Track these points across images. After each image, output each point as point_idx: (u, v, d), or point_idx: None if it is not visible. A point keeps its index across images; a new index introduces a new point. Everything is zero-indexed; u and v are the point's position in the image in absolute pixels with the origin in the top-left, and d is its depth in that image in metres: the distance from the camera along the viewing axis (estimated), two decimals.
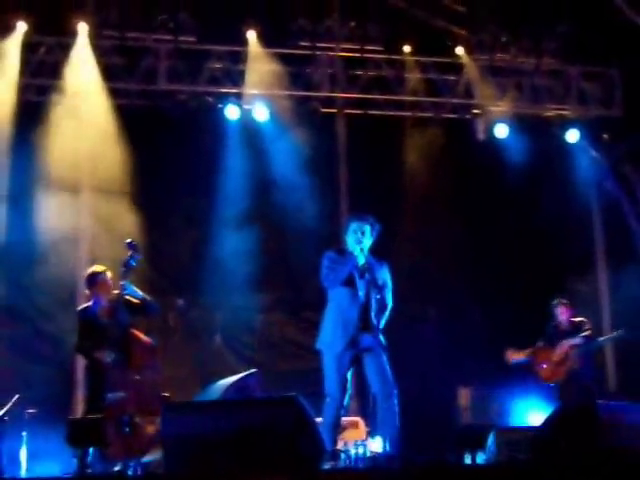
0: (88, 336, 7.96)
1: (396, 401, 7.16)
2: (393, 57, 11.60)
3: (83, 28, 10.64)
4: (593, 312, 11.69)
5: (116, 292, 7.96)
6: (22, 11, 10.48)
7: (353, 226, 7.38)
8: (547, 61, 11.83)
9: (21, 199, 10.37)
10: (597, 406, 5.82)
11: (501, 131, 11.65)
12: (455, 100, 11.80)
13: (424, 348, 10.80)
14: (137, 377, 7.71)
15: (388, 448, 6.99)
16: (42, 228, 10.27)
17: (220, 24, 11.05)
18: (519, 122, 11.66)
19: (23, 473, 8.16)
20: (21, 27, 10.52)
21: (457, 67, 11.77)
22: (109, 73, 10.79)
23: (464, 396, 10.16)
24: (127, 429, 7.40)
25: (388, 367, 7.22)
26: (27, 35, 10.58)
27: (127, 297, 7.91)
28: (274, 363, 11.05)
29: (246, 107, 11.17)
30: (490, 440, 7.44)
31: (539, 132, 11.62)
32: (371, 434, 7.88)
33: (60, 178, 10.31)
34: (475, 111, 11.83)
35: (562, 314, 9.83)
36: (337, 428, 7.30)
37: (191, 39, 11.02)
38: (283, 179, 10.95)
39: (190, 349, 10.64)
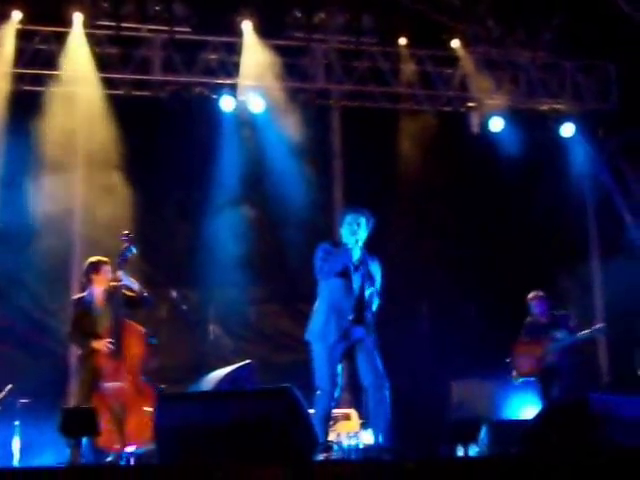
0: (81, 326, 7.97)
1: (387, 393, 7.16)
2: (388, 49, 11.58)
3: (78, 18, 10.60)
4: (586, 304, 11.76)
5: (113, 284, 7.97)
6: (17, 0, 10.44)
7: (348, 219, 7.37)
8: (542, 54, 11.82)
9: (14, 187, 10.33)
10: (586, 400, 5.82)
11: (496, 124, 11.65)
12: (450, 93, 11.80)
13: (417, 342, 10.81)
14: (131, 367, 7.72)
15: (380, 440, 7.00)
16: (36, 215, 10.26)
17: (215, 15, 11.03)
18: (514, 115, 11.66)
19: (16, 463, 8.17)
20: (16, 16, 10.47)
21: (452, 60, 11.75)
22: (104, 63, 10.78)
23: (456, 390, 10.17)
24: (120, 419, 7.42)
25: (379, 360, 7.22)
26: (22, 24, 10.54)
27: (124, 290, 7.93)
28: (268, 355, 11.05)
29: (241, 98, 11.15)
30: (482, 433, 7.46)
31: (534, 126, 11.62)
32: (364, 426, 7.90)
33: (53, 168, 10.30)
34: (470, 104, 11.83)
35: (537, 307, 9.82)
36: (329, 420, 7.31)
37: (186, 30, 11.00)
38: (277, 171, 10.96)
39: (184, 341, 10.63)
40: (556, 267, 11.46)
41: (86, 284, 8.14)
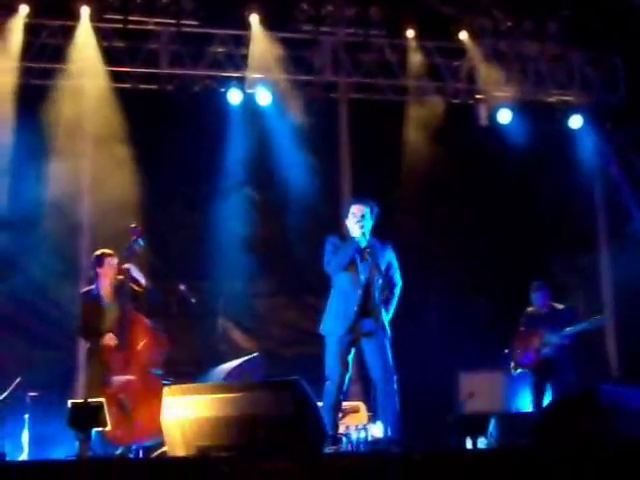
0: (90, 319, 7.99)
1: (396, 386, 7.19)
2: (396, 41, 11.55)
3: (85, 11, 10.59)
4: (595, 295, 11.74)
5: (120, 277, 7.98)
6: None
7: (353, 209, 7.40)
8: (550, 46, 11.77)
9: (22, 178, 10.34)
10: (596, 391, 5.81)
11: (504, 116, 11.62)
12: (458, 85, 11.76)
13: (425, 334, 10.81)
14: (139, 360, 7.74)
15: (389, 433, 7.01)
16: (43, 206, 10.29)
17: (223, 8, 11.01)
18: (522, 107, 11.62)
19: (25, 456, 8.19)
20: (23, 10, 10.47)
21: (460, 52, 11.71)
22: (111, 57, 10.77)
23: (465, 382, 10.16)
24: (129, 412, 7.43)
25: (389, 352, 7.23)
26: (29, 18, 10.55)
27: (131, 283, 7.94)
28: (275, 348, 11.06)
29: (249, 91, 11.14)
30: (491, 425, 7.46)
31: (542, 118, 11.58)
32: (373, 419, 7.90)
33: (61, 159, 10.32)
34: (478, 96, 11.80)
35: (540, 299, 9.78)
36: (337, 412, 7.33)
37: (194, 23, 10.98)
38: (285, 163, 10.95)
39: (192, 333, 10.64)
40: (565, 258, 11.44)
41: (93, 277, 8.17)
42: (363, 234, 7.25)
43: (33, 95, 10.33)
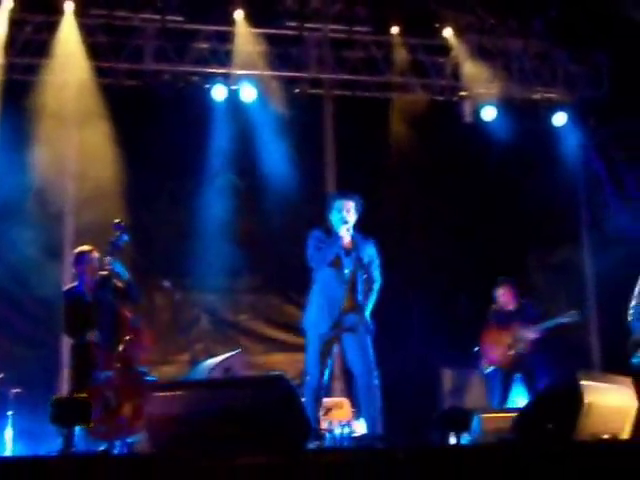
0: (74, 317, 7.97)
1: (377, 382, 7.18)
2: (381, 38, 11.57)
3: (70, 6, 10.56)
4: (578, 291, 11.79)
5: (102, 273, 7.96)
6: None
7: (337, 204, 7.39)
8: (534, 43, 11.82)
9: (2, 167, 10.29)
10: (578, 386, 5.83)
11: (488, 113, 11.65)
12: (443, 82, 11.79)
13: (407, 330, 10.82)
14: (124, 356, 7.73)
15: (372, 429, 7.03)
16: (26, 205, 10.25)
17: (207, 4, 10.99)
18: (506, 104, 11.66)
19: (8, 452, 8.17)
20: (7, 4, 10.41)
21: (445, 49, 11.74)
22: (96, 52, 10.73)
23: (448, 378, 10.18)
24: (112, 409, 7.42)
25: (370, 348, 7.24)
26: (13, 13, 10.49)
27: (114, 280, 7.93)
28: (259, 344, 11.07)
29: (233, 87, 11.13)
30: (475, 422, 7.48)
31: (526, 114, 11.63)
32: (356, 415, 7.93)
33: (45, 153, 10.28)
34: (462, 93, 11.83)
35: (504, 295, 9.80)
36: (318, 407, 7.33)
37: (178, 18, 10.97)
38: (270, 159, 10.94)
39: (176, 330, 10.64)
40: (547, 255, 11.50)
41: (76, 275, 8.16)
42: (347, 229, 7.26)
43: (17, 90, 10.28)
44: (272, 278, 11.37)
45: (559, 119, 11.79)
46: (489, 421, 7.15)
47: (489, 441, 7.00)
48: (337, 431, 7.00)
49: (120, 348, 7.74)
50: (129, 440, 7.42)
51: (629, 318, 9.00)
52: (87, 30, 10.70)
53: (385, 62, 11.59)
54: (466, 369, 10.13)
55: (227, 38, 11.08)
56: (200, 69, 11.09)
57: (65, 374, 9.75)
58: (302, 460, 5.06)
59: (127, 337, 7.80)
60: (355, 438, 7.02)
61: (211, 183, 10.91)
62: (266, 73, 11.14)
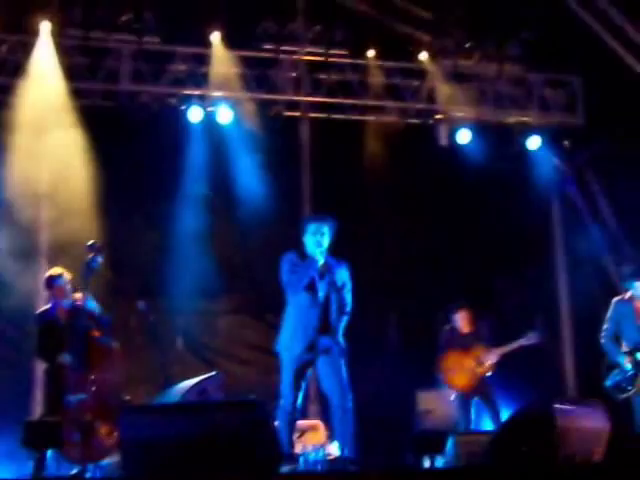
0: (47, 339, 7.91)
1: (351, 405, 7.17)
2: (357, 62, 11.63)
3: (46, 27, 10.54)
4: (553, 313, 11.85)
5: (78, 296, 7.91)
6: None
7: (311, 228, 7.38)
8: (510, 68, 11.91)
9: None
10: (551, 410, 5.86)
11: (463, 137, 11.71)
12: (418, 105, 11.84)
13: (382, 352, 10.81)
14: (96, 379, 7.68)
15: (345, 452, 7.01)
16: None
17: (184, 25, 11.01)
18: (481, 128, 11.73)
19: None
20: None
21: (421, 72, 11.81)
22: (72, 73, 10.70)
23: (422, 400, 10.18)
24: (85, 432, 7.36)
25: (344, 371, 7.22)
26: None
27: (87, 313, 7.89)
28: (234, 366, 11.02)
29: (209, 109, 11.14)
30: (449, 444, 7.47)
31: (501, 138, 11.71)
32: (330, 438, 7.90)
33: (21, 189, 10.21)
34: (438, 116, 11.90)
35: (462, 319, 9.84)
36: (292, 430, 7.30)
37: (155, 40, 10.97)
38: (245, 181, 10.94)
39: (151, 352, 10.57)
40: (522, 278, 11.54)
41: (48, 298, 8.12)
42: (321, 252, 7.26)
43: None
44: (248, 300, 11.35)
45: (533, 143, 11.86)
46: (463, 444, 7.14)
47: (463, 464, 6.99)
48: (311, 454, 6.96)
49: (93, 371, 7.69)
50: (102, 463, 7.36)
51: (602, 340, 9.08)
52: (63, 51, 10.67)
53: (361, 85, 11.65)
54: (440, 391, 10.12)
55: (203, 60, 11.10)
56: (176, 90, 11.08)
57: (38, 397, 9.66)
58: None
59: (100, 360, 7.75)
60: (329, 461, 6.99)
61: (187, 204, 10.88)
62: (242, 95, 11.16)
